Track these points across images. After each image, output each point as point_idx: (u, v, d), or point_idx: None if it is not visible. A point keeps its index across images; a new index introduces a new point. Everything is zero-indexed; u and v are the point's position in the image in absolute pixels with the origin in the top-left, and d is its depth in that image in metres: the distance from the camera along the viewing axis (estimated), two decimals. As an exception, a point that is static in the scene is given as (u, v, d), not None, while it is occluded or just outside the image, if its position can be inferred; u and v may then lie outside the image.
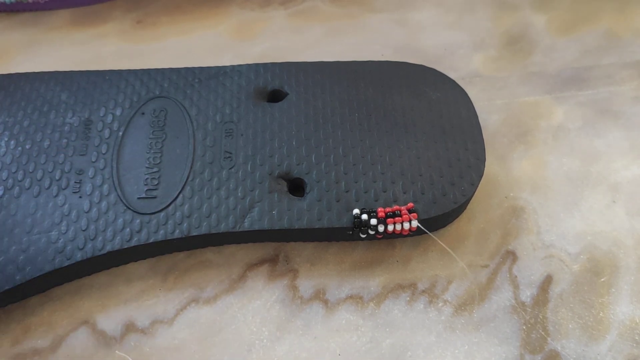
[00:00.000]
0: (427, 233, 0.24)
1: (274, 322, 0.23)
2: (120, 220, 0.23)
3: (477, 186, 0.24)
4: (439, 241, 0.25)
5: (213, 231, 0.23)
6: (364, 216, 0.23)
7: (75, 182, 0.24)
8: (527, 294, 0.24)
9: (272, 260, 0.24)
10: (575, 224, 0.25)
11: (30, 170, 0.24)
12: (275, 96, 0.27)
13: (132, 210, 0.23)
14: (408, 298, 0.23)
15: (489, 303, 0.23)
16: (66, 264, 0.22)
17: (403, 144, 0.25)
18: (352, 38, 0.32)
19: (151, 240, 0.23)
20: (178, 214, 0.23)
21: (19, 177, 0.24)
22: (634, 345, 0.22)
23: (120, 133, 0.25)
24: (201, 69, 0.27)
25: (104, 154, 0.25)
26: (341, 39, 0.32)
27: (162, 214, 0.23)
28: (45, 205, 0.23)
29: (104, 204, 0.23)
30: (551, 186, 0.26)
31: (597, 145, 0.28)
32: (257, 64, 0.27)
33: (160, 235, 0.23)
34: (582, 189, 0.26)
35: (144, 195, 0.23)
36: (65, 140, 0.25)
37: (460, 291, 0.24)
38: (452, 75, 0.30)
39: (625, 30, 0.32)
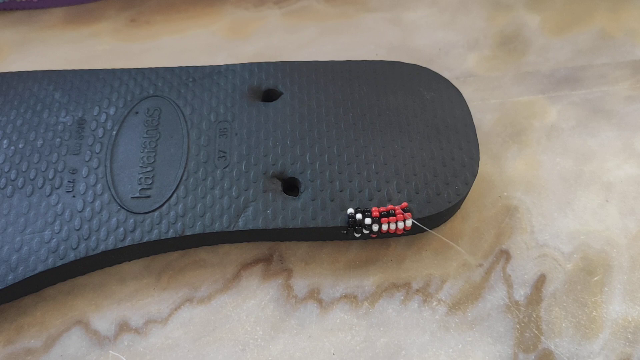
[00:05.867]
0: (424, 230, 0.24)
1: (269, 322, 0.23)
2: (114, 220, 0.23)
3: (471, 186, 0.24)
4: (439, 235, 0.25)
5: (207, 231, 0.23)
6: (358, 215, 0.23)
7: (68, 182, 0.24)
8: (520, 293, 0.24)
9: (267, 260, 0.24)
10: (568, 223, 0.25)
11: (24, 170, 0.24)
12: (270, 95, 0.27)
13: (125, 209, 0.23)
14: (402, 297, 0.24)
15: (482, 302, 0.23)
16: (59, 263, 0.22)
17: (397, 143, 0.25)
18: (347, 37, 0.32)
19: (145, 240, 0.22)
20: (172, 213, 0.23)
21: (12, 176, 0.24)
22: (627, 343, 0.22)
23: (114, 132, 0.25)
24: (195, 68, 0.27)
25: (97, 153, 0.25)
26: (335, 38, 0.32)
27: (156, 213, 0.23)
28: (38, 204, 0.23)
29: (97, 203, 0.23)
30: (545, 185, 0.27)
31: (591, 144, 0.28)
32: (251, 63, 0.27)
33: (154, 235, 0.23)
34: (575, 189, 0.26)
35: (137, 194, 0.23)
36: (58, 140, 0.25)
37: (454, 290, 0.24)
38: (446, 74, 0.30)
39: (619, 30, 0.33)
